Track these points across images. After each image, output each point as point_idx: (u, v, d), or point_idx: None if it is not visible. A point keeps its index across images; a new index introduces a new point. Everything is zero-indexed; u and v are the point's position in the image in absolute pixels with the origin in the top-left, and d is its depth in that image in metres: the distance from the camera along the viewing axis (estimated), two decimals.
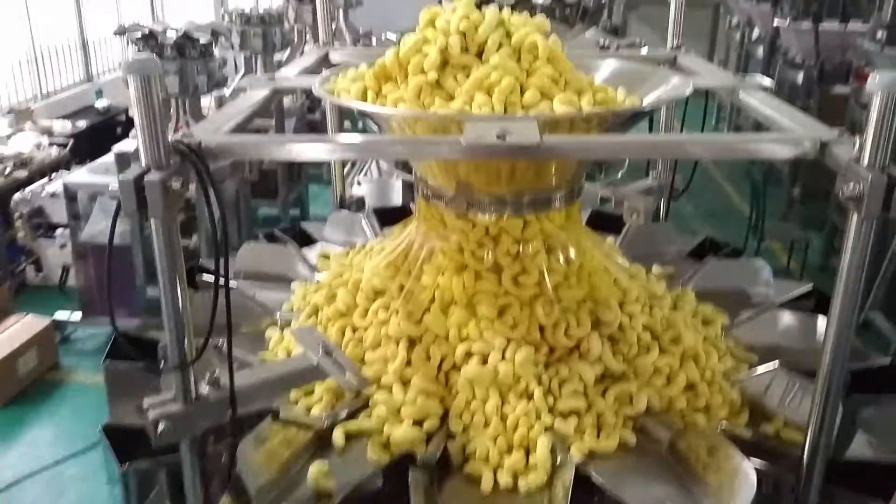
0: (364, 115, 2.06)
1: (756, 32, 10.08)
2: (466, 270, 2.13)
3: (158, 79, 1.50)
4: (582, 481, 1.75)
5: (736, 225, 7.42)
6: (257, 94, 2.25)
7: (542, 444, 1.84)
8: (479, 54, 2.05)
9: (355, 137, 1.79)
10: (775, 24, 8.58)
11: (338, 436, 1.86)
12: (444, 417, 1.94)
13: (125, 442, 1.84)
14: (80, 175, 5.29)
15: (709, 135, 2.53)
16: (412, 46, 2.06)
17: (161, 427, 1.57)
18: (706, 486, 1.73)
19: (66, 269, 5.59)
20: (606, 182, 3.24)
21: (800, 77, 8.22)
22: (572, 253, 2.22)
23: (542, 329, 2.07)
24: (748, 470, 1.71)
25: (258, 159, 5.60)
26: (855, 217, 1.55)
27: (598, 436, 1.90)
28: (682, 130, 2.99)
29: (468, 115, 1.88)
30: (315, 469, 1.75)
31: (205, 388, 1.65)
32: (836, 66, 8.17)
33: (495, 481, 1.82)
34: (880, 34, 6.26)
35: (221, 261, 1.59)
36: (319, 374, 1.77)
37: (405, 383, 2.00)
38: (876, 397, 2.01)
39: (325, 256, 2.77)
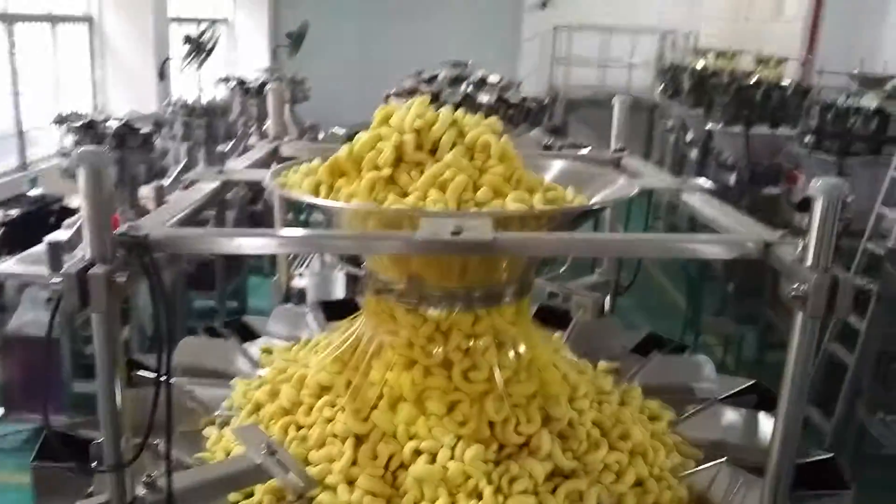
0: (317, 209, 2.05)
1: (690, 135, 10.51)
2: (416, 366, 2.10)
3: (108, 172, 1.48)
4: None
5: (673, 319, 7.55)
6: (207, 187, 2.24)
7: None
8: (433, 152, 2.09)
9: (306, 232, 1.79)
10: (708, 128, 8.96)
11: None
12: None
13: None
14: (9, 266, 5.09)
15: (657, 235, 2.60)
16: (367, 142, 2.09)
17: None
18: None
19: None
20: (550, 276, 3.27)
21: (732, 178, 8.54)
22: (522, 348, 2.21)
23: (491, 425, 2.03)
24: None
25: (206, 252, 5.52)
26: (800, 316, 1.58)
27: None
28: (625, 229, 3.06)
29: (423, 211, 1.89)
30: None
31: (141, 491, 1.57)
32: (767, 169, 8.53)
33: None
34: (808, 139, 6.58)
35: (164, 357, 1.54)
36: (262, 475, 1.70)
37: (351, 483, 1.93)
38: (818, 494, 2.02)
39: (268, 351, 2.71)
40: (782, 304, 6.84)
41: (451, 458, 1.94)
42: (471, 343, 2.11)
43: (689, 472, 2.14)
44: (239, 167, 2.57)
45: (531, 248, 1.86)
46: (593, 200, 2.16)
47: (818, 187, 1.55)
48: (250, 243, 1.78)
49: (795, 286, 1.56)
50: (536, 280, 2.61)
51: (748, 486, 1.99)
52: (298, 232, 1.80)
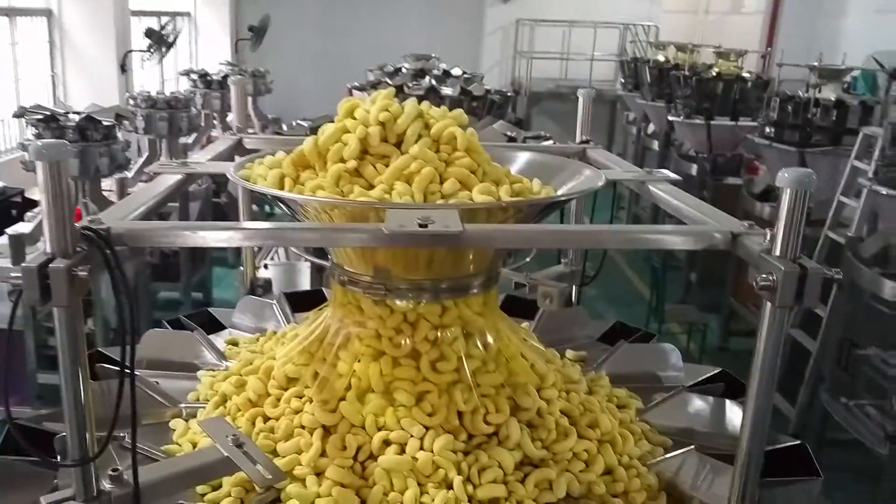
0: (281, 202, 2.03)
1: (651, 127, 10.61)
2: (384, 357, 2.09)
3: (68, 165, 1.46)
4: None
5: (638, 308, 7.64)
6: (168, 179, 2.21)
7: None
8: (398, 144, 2.08)
9: (271, 225, 1.77)
10: (669, 120, 9.06)
11: None
12: None
13: None
14: None
15: (624, 227, 2.62)
16: (332, 135, 2.07)
17: None
18: None
19: None
20: (515, 266, 3.29)
21: (694, 169, 8.66)
22: (490, 338, 2.22)
23: (460, 416, 2.04)
24: None
25: (169, 246, 5.47)
26: (769, 306, 1.60)
27: None
28: (591, 220, 3.08)
29: (389, 203, 1.89)
30: None
31: (107, 484, 1.54)
32: (728, 160, 8.67)
33: None
34: (768, 130, 6.69)
35: (128, 350, 1.52)
36: (230, 468, 1.69)
37: (319, 475, 1.92)
38: (788, 480, 2.05)
39: (234, 343, 2.69)
40: (745, 292, 6.97)
41: (420, 448, 1.94)
42: (438, 334, 2.12)
43: (658, 459, 2.16)
44: (202, 160, 2.54)
45: (500, 240, 1.87)
46: (560, 192, 2.17)
47: (786, 178, 1.56)
48: (214, 236, 1.76)
49: (764, 276, 1.58)
50: (503, 270, 2.62)
51: (717, 472, 2.01)
52: (263, 225, 1.78)
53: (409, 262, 2.06)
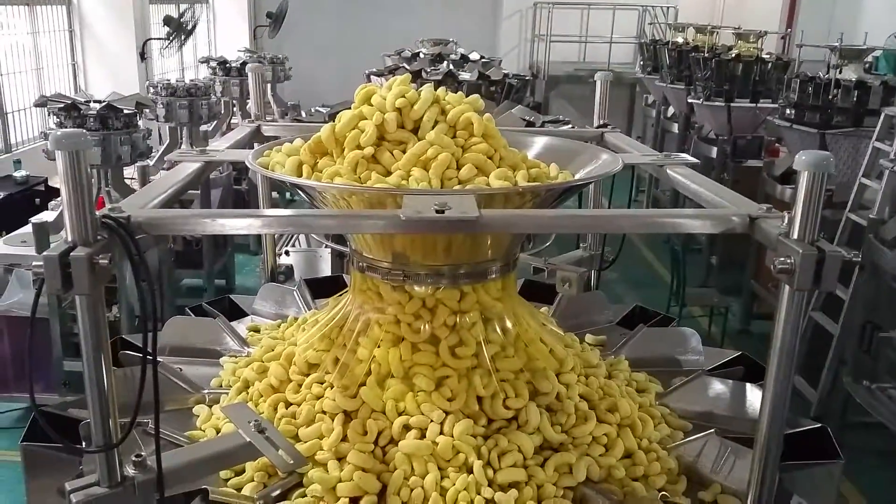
0: (300, 189, 2.05)
1: (671, 110, 10.52)
2: (403, 342, 2.11)
3: (87, 154, 1.47)
4: None
5: (658, 291, 7.60)
6: (188, 168, 2.23)
7: None
8: (415, 130, 2.09)
9: (290, 212, 1.79)
10: (689, 102, 8.98)
11: None
12: (382, 494, 1.89)
13: None
14: None
15: (642, 211, 2.59)
16: (348, 122, 2.08)
17: None
18: None
19: None
20: (534, 252, 3.29)
21: (714, 152, 8.58)
22: (509, 323, 2.23)
23: (479, 400, 2.05)
24: None
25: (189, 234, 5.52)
26: (787, 289, 1.59)
27: None
28: (609, 204, 3.07)
29: (406, 189, 1.89)
30: None
31: (130, 470, 1.57)
32: (748, 142, 8.56)
33: None
34: (789, 112, 6.61)
35: (150, 336, 1.53)
36: (252, 453, 1.71)
37: (341, 459, 1.94)
38: (809, 464, 2.04)
39: (256, 330, 2.71)
40: (766, 275, 6.89)
41: (440, 433, 1.96)
42: (457, 319, 2.12)
43: (678, 443, 2.17)
44: (221, 147, 2.55)
45: (516, 225, 1.87)
46: (577, 176, 2.16)
47: (804, 161, 1.55)
48: (234, 224, 1.77)
49: (782, 260, 1.56)
50: (521, 256, 2.63)
51: (737, 456, 2.01)
52: (281, 212, 1.80)
53: (428, 248, 2.07)
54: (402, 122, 2.08)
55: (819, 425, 2.15)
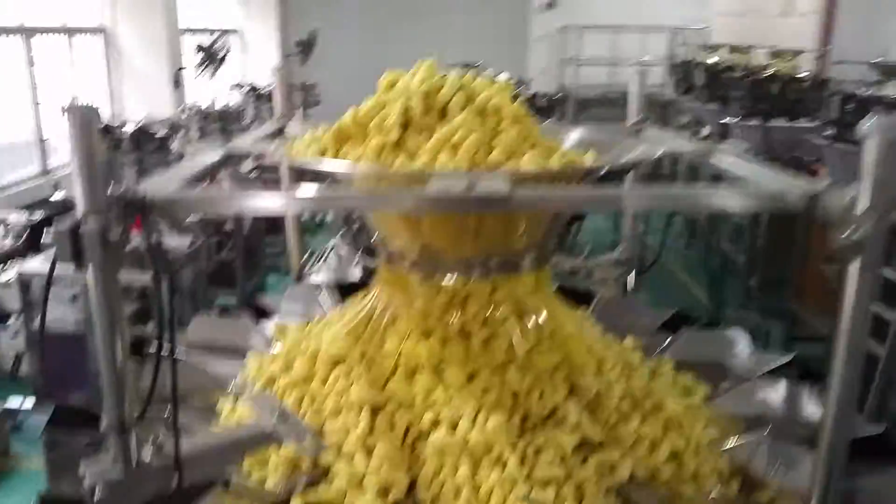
0: (325, 175, 1.95)
1: (706, 130, 10.37)
2: (433, 336, 2.00)
3: (97, 124, 1.41)
4: None
5: (695, 315, 7.41)
6: (208, 158, 2.15)
7: None
8: (441, 117, 1.99)
9: (314, 190, 1.69)
10: (724, 122, 8.84)
11: None
12: (411, 489, 1.78)
13: None
14: (35, 264, 5.18)
15: (685, 189, 2.37)
16: (373, 107, 2.00)
17: (98, 493, 1.39)
18: None
19: (18, 357, 5.45)
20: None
21: None
22: (543, 318, 2.11)
23: (514, 396, 1.93)
24: None
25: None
26: (855, 266, 1.45)
27: None
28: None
29: (435, 172, 1.79)
30: None
31: (148, 455, 1.48)
32: (786, 162, 8.37)
33: None
34: (829, 130, 6.46)
35: (166, 323, 1.45)
36: (275, 440, 1.60)
37: (368, 452, 1.83)
38: (878, 466, 1.90)
39: (282, 328, 2.62)
40: (809, 296, 6.65)
41: (473, 427, 1.84)
42: (489, 313, 2.02)
43: (729, 445, 2.03)
44: (244, 141, 2.48)
45: (550, 203, 1.75)
46: (616, 160, 2.05)
47: (872, 125, 1.41)
48: (257, 203, 1.67)
49: (847, 235, 1.43)
50: (556, 258, 2.52)
51: (794, 459, 1.88)
52: (303, 191, 1.69)
53: (457, 235, 1.97)
54: (428, 108, 1.99)
55: (882, 429, 2.00)
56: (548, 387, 1.95)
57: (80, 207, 1.40)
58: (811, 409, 2.13)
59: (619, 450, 1.89)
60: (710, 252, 8.57)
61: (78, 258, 1.38)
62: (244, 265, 6.77)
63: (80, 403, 2.03)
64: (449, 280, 2.02)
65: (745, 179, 1.95)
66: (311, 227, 9.38)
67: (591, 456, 1.85)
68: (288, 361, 2.16)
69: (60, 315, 4.85)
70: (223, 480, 1.66)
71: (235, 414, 2.07)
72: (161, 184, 1.75)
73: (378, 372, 1.97)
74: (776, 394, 2.23)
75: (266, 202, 1.66)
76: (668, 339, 2.55)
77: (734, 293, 7.88)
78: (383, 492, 1.75)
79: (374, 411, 1.90)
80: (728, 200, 1.69)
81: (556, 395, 1.94)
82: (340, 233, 4.50)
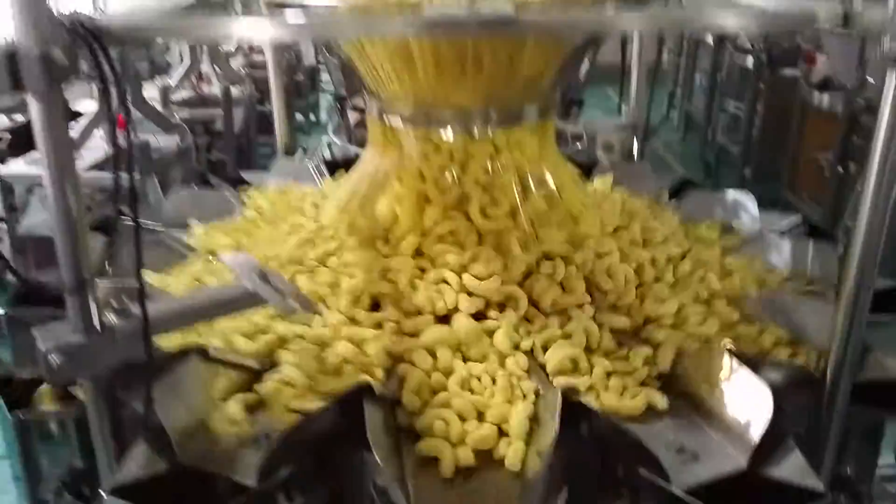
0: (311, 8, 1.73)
1: None
2: (430, 204, 1.85)
3: None
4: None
5: None
6: None
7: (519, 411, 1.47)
8: None
9: (302, 16, 1.47)
10: None
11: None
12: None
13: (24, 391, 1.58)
14: (17, 166, 4.95)
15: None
16: None
17: (54, 361, 1.23)
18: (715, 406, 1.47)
19: (5, 261, 5.32)
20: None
21: (749, 61, 8.18)
22: (551, 182, 1.95)
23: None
24: (762, 389, 1.42)
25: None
26: (892, 79, 1.27)
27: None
28: (648, 113, 2.71)
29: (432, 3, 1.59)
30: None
31: (110, 318, 1.31)
32: (785, 51, 8.14)
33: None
34: None
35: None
36: (254, 301, 1.44)
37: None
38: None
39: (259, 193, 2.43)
40: (802, 185, 6.54)
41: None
42: (490, 166, 1.85)
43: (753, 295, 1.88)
44: None
45: (561, 26, 1.53)
46: None
47: None
48: (240, 28, 1.42)
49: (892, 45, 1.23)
50: (558, 123, 2.33)
51: (813, 308, 1.74)
52: (290, 17, 1.47)
53: (454, 80, 1.78)
54: None
55: None
56: (559, 263, 1.78)
57: (15, 35, 1.19)
58: (830, 262, 2.00)
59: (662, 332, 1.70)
60: (706, 144, 8.42)
61: (16, 84, 1.18)
62: (234, 166, 6.60)
63: (43, 282, 1.84)
64: (446, 135, 1.84)
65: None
66: (304, 127, 9.16)
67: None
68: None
69: (45, 219, 4.67)
70: (200, 349, 1.50)
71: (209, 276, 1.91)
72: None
73: (369, 236, 1.82)
74: (790, 248, 2.10)
75: (249, 29, 1.44)
76: (675, 204, 2.39)
77: (729, 184, 7.76)
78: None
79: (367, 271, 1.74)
80: (754, 20, 1.51)
81: (567, 271, 1.77)
82: (332, 128, 4.28)
